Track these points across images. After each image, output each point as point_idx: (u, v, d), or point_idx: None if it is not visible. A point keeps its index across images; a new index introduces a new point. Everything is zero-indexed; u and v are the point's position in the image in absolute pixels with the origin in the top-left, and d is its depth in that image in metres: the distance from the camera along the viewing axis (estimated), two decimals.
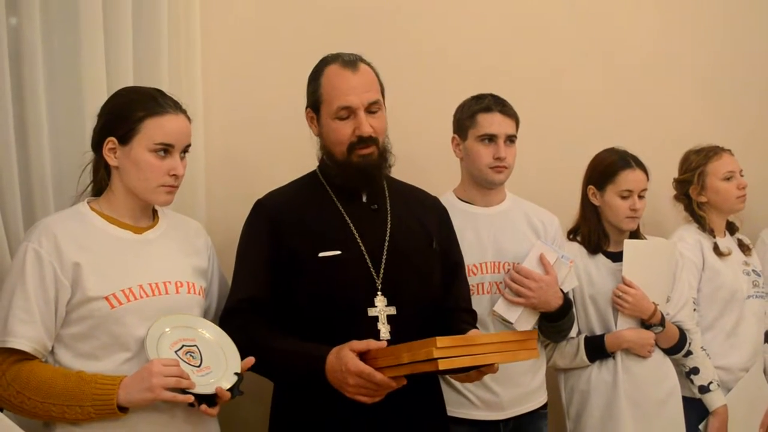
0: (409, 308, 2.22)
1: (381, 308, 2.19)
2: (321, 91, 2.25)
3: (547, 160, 3.27)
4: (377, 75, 2.29)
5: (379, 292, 2.21)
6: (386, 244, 2.25)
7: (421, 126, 2.99)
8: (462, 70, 3.14)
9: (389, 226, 2.29)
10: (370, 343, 2.02)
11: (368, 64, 2.29)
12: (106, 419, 1.93)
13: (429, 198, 2.47)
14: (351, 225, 2.25)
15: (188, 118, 2.12)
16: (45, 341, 1.98)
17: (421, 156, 2.94)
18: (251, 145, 2.80)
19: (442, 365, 1.89)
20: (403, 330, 2.16)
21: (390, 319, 2.19)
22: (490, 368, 2.14)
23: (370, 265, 2.22)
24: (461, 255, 2.47)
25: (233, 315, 2.19)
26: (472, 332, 2.21)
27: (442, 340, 1.89)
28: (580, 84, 3.42)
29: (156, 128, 2.04)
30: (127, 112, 2.05)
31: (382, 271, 2.23)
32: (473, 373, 2.15)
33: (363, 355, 2.02)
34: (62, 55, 2.38)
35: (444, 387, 2.52)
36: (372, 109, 2.23)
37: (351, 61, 2.25)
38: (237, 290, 2.22)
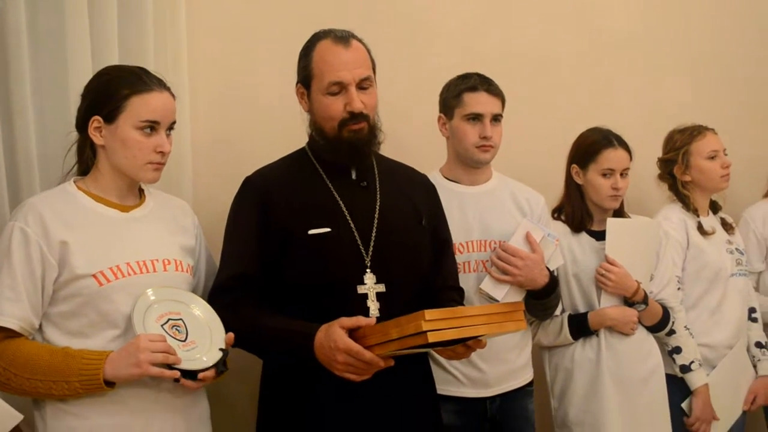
0: (398, 285, 2.23)
1: (370, 286, 2.20)
2: (312, 66, 2.24)
3: (535, 140, 3.28)
4: (369, 51, 2.29)
5: (368, 270, 2.21)
6: (375, 221, 2.26)
7: (407, 105, 3.00)
8: (449, 49, 3.14)
9: (378, 204, 2.29)
10: (359, 320, 2.03)
11: (360, 41, 2.28)
12: (93, 394, 1.95)
13: (418, 175, 2.48)
14: (340, 202, 2.25)
15: (173, 95, 2.13)
16: (32, 319, 1.99)
17: (408, 135, 2.94)
18: (237, 124, 2.80)
19: (431, 338, 1.90)
20: (392, 307, 2.17)
21: (379, 296, 2.20)
22: (478, 343, 2.14)
23: (360, 243, 2.23)
24: (449, 232, 2.48)
25: (222, 292, 2.19)
26: (461, 306, 2.24)
27: (430, 313, 1.91)
28: (567, 64, 3.43)
29: (142, 105, 2.05)
30: (112, 91, 2.05)
31: (371, 248, 2.23)
32: (461, 348, 2.14)
33: (352, 334, 2.03)
34: (47, 38, 2.38)
35: (430, 364, 2.56)
36: (363, 85, 2.23)
37: (343, 37, 2.24)
38: (226, 267, 2.23)
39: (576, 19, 3.46)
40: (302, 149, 2.36)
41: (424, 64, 3.07)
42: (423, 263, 2.33)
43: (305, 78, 2.27)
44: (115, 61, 2.41)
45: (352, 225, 2.23)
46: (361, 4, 2.97)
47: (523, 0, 3.36)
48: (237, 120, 2.80)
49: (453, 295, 2.39)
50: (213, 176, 2.71)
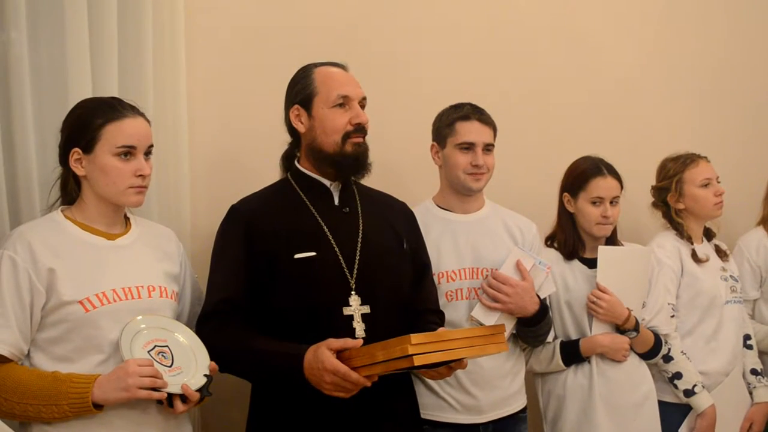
0: (383, 307, 2.29)
1: (355, 307, 2.26)
2: (315, 84, 2.32)
3: (530, 168, 3.32)
4: None
5: (353, 292, 2.27)
6: (359, 245, 2.32)
7: (400, 135, 3.04)
8: (442, 79, 3.18)
9: (361, 228, 2.35)
10: (347, 342, 2.08)
11: None
12: (81, 417, 1.99)
13: (397, 202, 2.54)
14: (324, 227, 2.32)
15: (147, 120, 2.18)
16: (21, 345, 2.03)
17: (400, 164, 2.99)
18: (235, 154, 2.84)
19: (417, 361, 1.96)
20: (377, 328, 2.23)
21: (364, 317, 2.25)
22: (459, 364, 2.20)
23: (344, 266, 2.29)
24: (428, 257, 2.54)
25: (210, 317, 2.24)
26: (442, 329, 2.28)
27: (416, 337, 1.97)
28: (561, 93, 3.47)
29: (116, 132, 2.10)
30: (86, 122, 2.11)
31: (355, 271, 2.29)
32: (443, 369, 2.20)
33: (339, 354, 2.08)
34: (49, 70, 2.42)
35: (424, 390, 2.60)
36: (362, 104, 2.34)
37: (339, 64, 2.37)
38: (213, 293, 2.28)
39: (571, 49, 3.50)
40: (285, 179, 2.43)
41: (416, 95, 3.11)
42: (405, 286, 2.39)
43: (306, 97, 2.34)
44: (114, 90, 2.46)
45: (337, 249, 2.29)
46: (353, 36, 3.02)
47: (518, 33, 3.40)
48: (234, 149, 2.84)
49: (434, 319, 2.45)
50: (211, 204, 2.74)
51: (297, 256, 2.25)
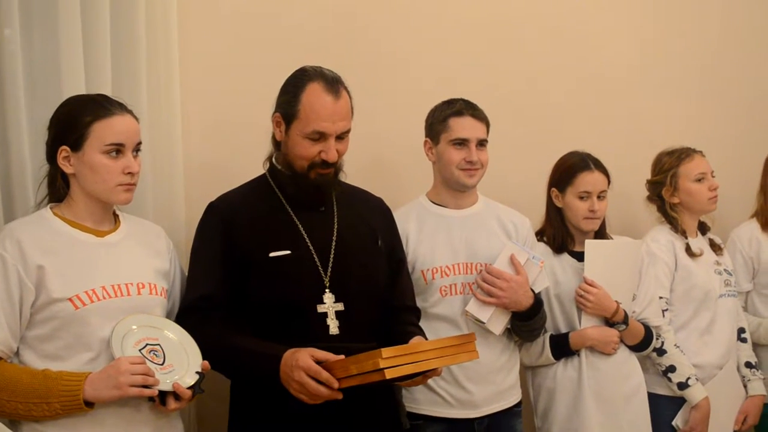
0: (357, 304, 2.31)
1: (329, 305, 2.28)
2: (299, 107, 2.29)
3: (525, 164, 3.32)
4: (350, 98, 2.35)
5: (327, 290, 2.29)
6: (333, 243, 2.34)
7: (394, 130, 3.04)
8: (436, 75, 3.18)
9: (336, 227, 2.37)
10: (328, 356, 2.09)
11: (345, 88, 2.33)
12: (72, 414, 1.99)
13: (373, 199, 2.56)
14: (300, 226, 2.34)
15: (135, 118, 2.18)
16: (10, 342, 2.04)
17: (394, 160, 3.00)
18: (229, 150, 2.85)
19: (389, 374, 1.98)
20: (351, 324, 2.27)
21: (338, 314, 2.28)
22: (434, 372, 2.22)
23: (319, 264, 2.31)
24: (404, 252, 2.56)
25: (190, 313, 2.25)
26: (415, 339, 2.29)
27: (386, 351, 1.99)
28: (555, 88, 3.47)
29: (105, 130, 2.09)
30: (74, 120, 2.11)
31: (329, 269, 2.31)
32: (418, 378, 2.22)
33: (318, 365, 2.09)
34: (42, 64, 2.43)
35: (419, 386, 2.59)
36: (341, 135, 2.31)
37: (333, 86, 2.29)
38: (192, 288, 2.29)
39: (565, 44, 3.50)
40: (263, 176, 2.44)
41: (410, 91, 3.11)
42: (380, 282, 2.41)
43: (288, 114, 2.32)
44: (108, 88, 2.45)
45: (311, 247, 2.32)
46: (348, 34, 3.02)
47: (512, 27, 3.40)
48: (228, 146, 2.85)
49: (411, 318, 2.47)
50: (205, 201, 2.72)
51: (272, 254, 2.28)
